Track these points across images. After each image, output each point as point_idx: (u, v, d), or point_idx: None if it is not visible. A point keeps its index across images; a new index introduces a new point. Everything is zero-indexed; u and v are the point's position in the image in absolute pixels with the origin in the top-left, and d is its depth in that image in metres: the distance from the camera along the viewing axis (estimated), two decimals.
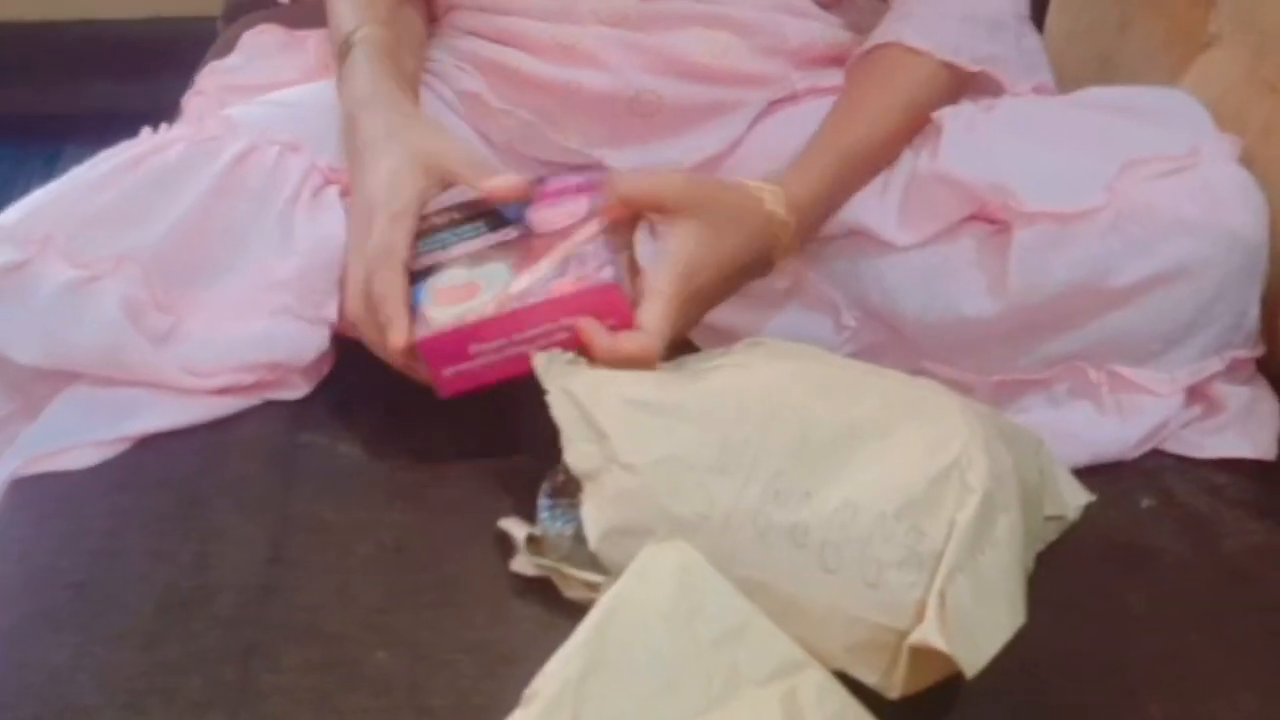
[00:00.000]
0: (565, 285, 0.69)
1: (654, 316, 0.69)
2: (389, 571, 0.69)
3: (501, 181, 0.73)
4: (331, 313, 0.78)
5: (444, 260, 0.73)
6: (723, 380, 0.69)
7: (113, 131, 0.83)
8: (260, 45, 0.93)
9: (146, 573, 0.67)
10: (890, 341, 0.83)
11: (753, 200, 0.75)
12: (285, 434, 0.76)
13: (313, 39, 0.92)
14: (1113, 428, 0.79)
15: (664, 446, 0.65)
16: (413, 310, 0.70)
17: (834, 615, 0.61)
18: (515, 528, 0.68)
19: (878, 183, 0.82)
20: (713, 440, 0.64)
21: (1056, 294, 0.76)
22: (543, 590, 0.67)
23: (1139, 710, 0.64)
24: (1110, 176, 0.76)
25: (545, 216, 0.74)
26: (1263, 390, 0.82)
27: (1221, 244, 0.76)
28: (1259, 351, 0.81)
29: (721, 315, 0.83)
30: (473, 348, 0.69)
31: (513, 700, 0.56)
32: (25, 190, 0.80)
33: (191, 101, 0.88)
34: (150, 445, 0.75)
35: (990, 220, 0.79)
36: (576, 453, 0.66)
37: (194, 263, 0.77)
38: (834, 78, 0.86)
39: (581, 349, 0.69)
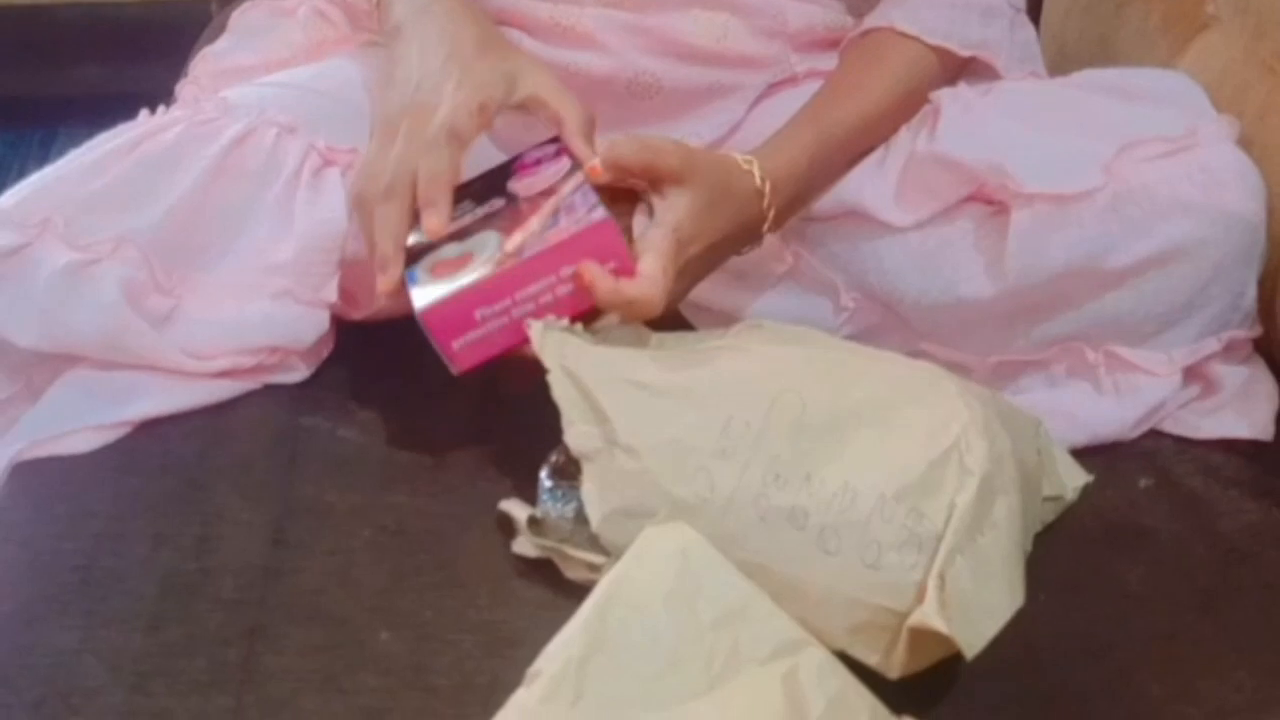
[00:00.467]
0: (560, 233, 0.68)
1: (653, 266, 0.69)
2: (391, 553, 0.69)
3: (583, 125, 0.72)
4: (331, 294, 0.78)
5: (433, 242, 0.72)
6: (723, 363, 0.69)
7: (108, 114, 0.83)
8: (247, 24, 0.92)
9: (150, 556, 0.68)
10: (889, 323, 0.83)
11: (742, 172, 0.75)
12: (286, 417, 0.77)
13: (302, 8, 0.91)
14: (1110, 408, 0.79)
15: (665, 429, 0.65)
16: (408, 290, 0.70)
17: (834, 597, 0.61)
18: (517, 509, 0.69)
19: (874, 162, 0.82)
20: (713, 423, 0.65)
21: (1054, 275, 0.76)
22: (545, 571, 0.67)
23: (1137, 689, 0.65)
24: (1107, 158, 0.76)
25: (527, 183, 0.74)
26: (1260, 371, 0.82)
27: (1219, 225, 0.76)
28: (1256, 332, 0.81)
29: (720, 297, 0.84)
30: (478, 313, 0.68)
31: (516, 679, 0.57)
32: (21, 173, 0.80)
33: (185, 89, 0.87)
34: (152, 429, 0.75)
35: (988, 201, 0.79)
36: (577, 434, 0.66)
37: (193, 245, 0.77)
38: (833, 61, 0.86)
39: (581, 314, 0.69)
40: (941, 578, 0.59)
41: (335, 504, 0.72)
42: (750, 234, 0.76)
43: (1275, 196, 0.79)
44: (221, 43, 0.91)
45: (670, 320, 0.80)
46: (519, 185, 0.74)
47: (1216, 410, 0.80)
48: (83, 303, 0.73)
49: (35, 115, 1.81)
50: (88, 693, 0.61)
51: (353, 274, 0.79)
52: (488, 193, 0.75)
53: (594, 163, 0.71)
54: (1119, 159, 0.76)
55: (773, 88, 0.87)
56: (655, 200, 0.71)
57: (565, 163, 0.73)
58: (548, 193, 0.72)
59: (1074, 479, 0.74)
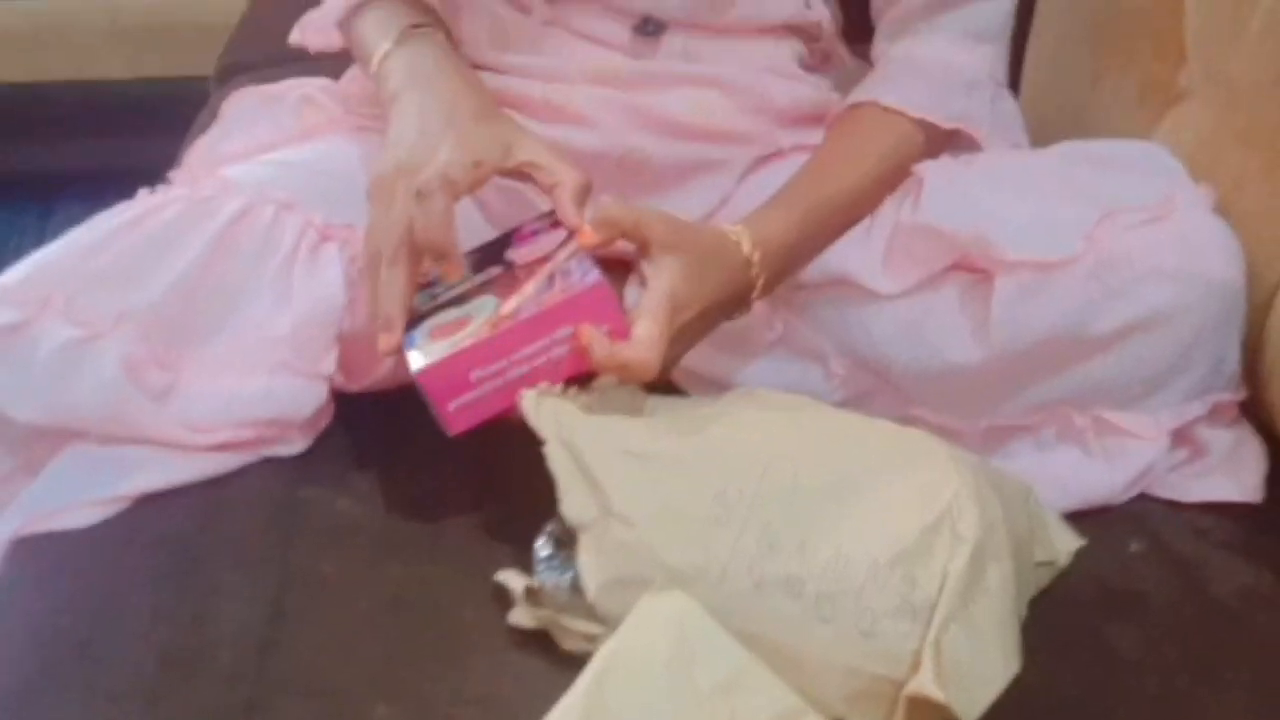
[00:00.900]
0: (555, 296, 0.70)
1: (648, 330, 0.70)
2: (389, 625, 0.69)
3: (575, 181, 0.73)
4: (329, 367, 0.79)
5: (434, 307, 0.74)
6: (716, 431, 0.70)
7: (105, 190, 0.84)
8: (238, 112, 0.94)
9: (148, 631, 0.68)
10: (879, 389, 0.84)
11: (730, 242, 0.76)
12: (284, 489, 0.77)
13: (292, 94, 0.93)
14: (1100, 472, 0.80)
15: (659, 498, 0.66)
16: (407, 354, 0.71)
17: (831, 665, 0.62)
18: (513, 580, 0.69)
19: (861, 233, 0.84)
20: (707, 491, 0.65)
21: (1039, 341, 0.78)
22: (541, 642, 0.67)
23: None
24: (1088, 226, 0.78)
25: (524, 252, 0.75)
26: (1246, 434, 0.83)
27: (1198, 291, 0.77)
28: (1241, 395, 0.82)
29: (712, 364, 0.85)
30: (474, 374, 0.69)
31: None
32: (18, 249, 0.81)
33: (180, 177, 0.89)
34: (150, 503, 0.75)
35: (972, 269, 0.80)
36: (573, 504, 0.67)
37: (193, 320, 0.77)
38: (819, 135, 0.88)
39: (577, 376, 0.70)
40: (937, 646, 0.60)
41: (333, 575, 0.72)
42: (740, 301, 0.78)
43: (1253, 263, 0.80)
44: (214, 131, 0.93)
45: (663, 387, 0.81)
46: (516, 254, 0.75)
47: (1205, 473, 0.81)
48: (83, 378, 0.74)
49: (32, 192, 1.82)
50: None
51: (350, 347, 0.80)
52: (486, 262, 0.76)
53: (585, 227, 0.72)
54: (1100, 227, 0.78)
55: (760, 162, 0.89)
56: (646, 266, 0.73)
57: (561, 232, 0.74)
58: (544, 259, 0.73)
59: (1066, 543, 0.75)
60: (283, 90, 0.93)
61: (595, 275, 0.70)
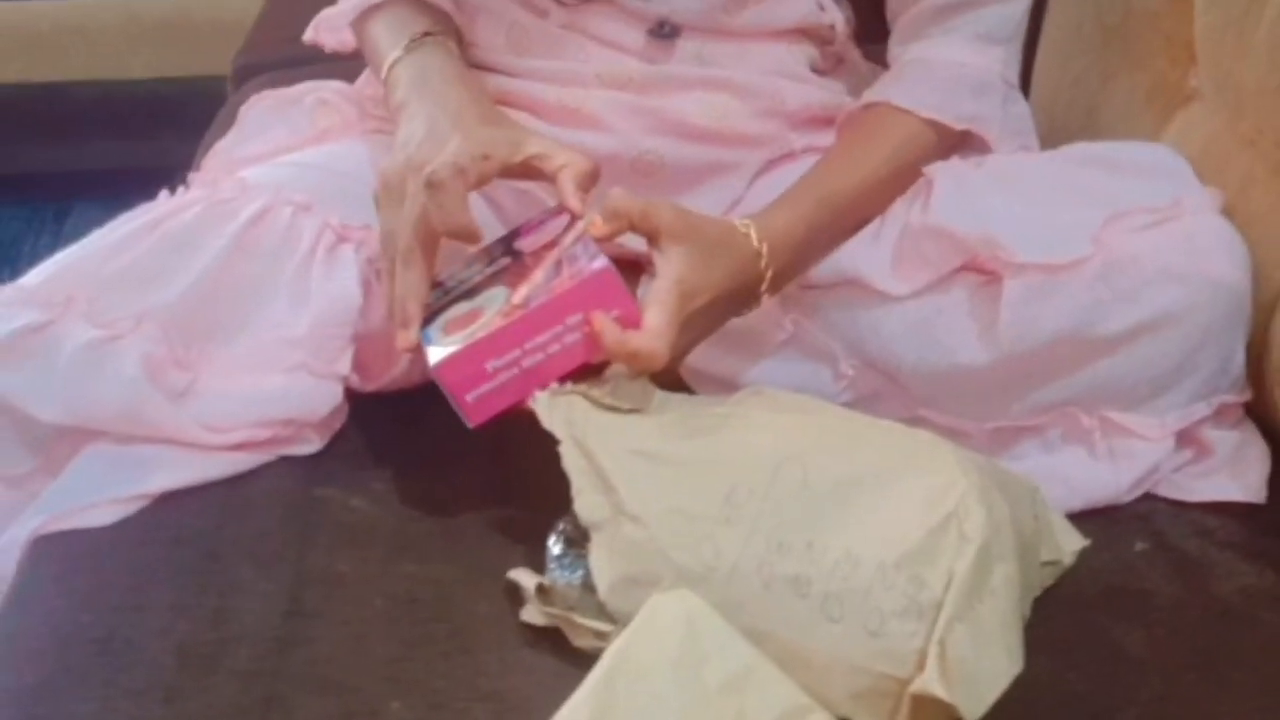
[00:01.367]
0: (564, 283, 0.70)
1: (658, 320, 0.70)
2: (403, 622, 0.70)
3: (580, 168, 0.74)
4: (345, 367, 0.80)
5: (446, 302, 0.75)
6: (726, 431, 0.71)
7: (122, 189, 0.85)
8: (255, 116, 0.95)
9: (167, 627, 0.69)
10: (887, 390, 0.84)
11: (739, 234, 0.77)
12: (300, 488, 0.78)
13: (308, 97, 0.93)
14: (1105, 472, 0.81)
15: (670, 498, 0.67)
16: (423, 349, 0.72)
17: (837, 664, 0.62)
18: (525, 578, 0.70)
19: (870, 234, 0.84)
20: (717, 491, 0.66)
21: (1047, 342, 0.78)
22: (553, 639, 0.68)
23: None
24: (1096, 228, 0.78)
25: (531, 240, 0.76)
26: (1251, 434, 0.84)
27: (1205, 292, 0.78)
28: (1246, 396, 0.83)
29: (721, 363, 0.85)
30: (489, 365, 0.70)
31: None
32: (36, 248, 0.82)
33: (198, 180, 0.90)
34: (169, 502, 0.76)
35: (981, 271, 0.81)
36: (586, 503, 0.67)
37: (211, 321, 0.79)
38: (830, 137, 0.89)
39: (590, 363, 0.71)
40: (942, 645, 0.60)
41: (348, 574, 0.73)
42: (749, 295, 0.78)
43: (1259, 265, 0.81)
44: (231, 135, 0.94)
45: (672, 386, 0.82)
46: (524, 243, 0.76)
47: (1210, 473, 0.82)
48: (104, 378, 0.75)
49: (50, 191, 1.83)
50: None
51: (366, 347, 0.81)
52: (496, 253, 0.77)
53: (594, 217, 0.72)
54: (1107, 229, 0.78)
55: (772, 164, 0.89)
56: (656, 256, 0.73)
57: (565, 217, 0.75)
58: (551, 245, 0.74)
59: (1071, 543, 0.75)
60: (299, 93, 0.94)
61: (601, 260, 0.70)
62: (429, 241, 0.73)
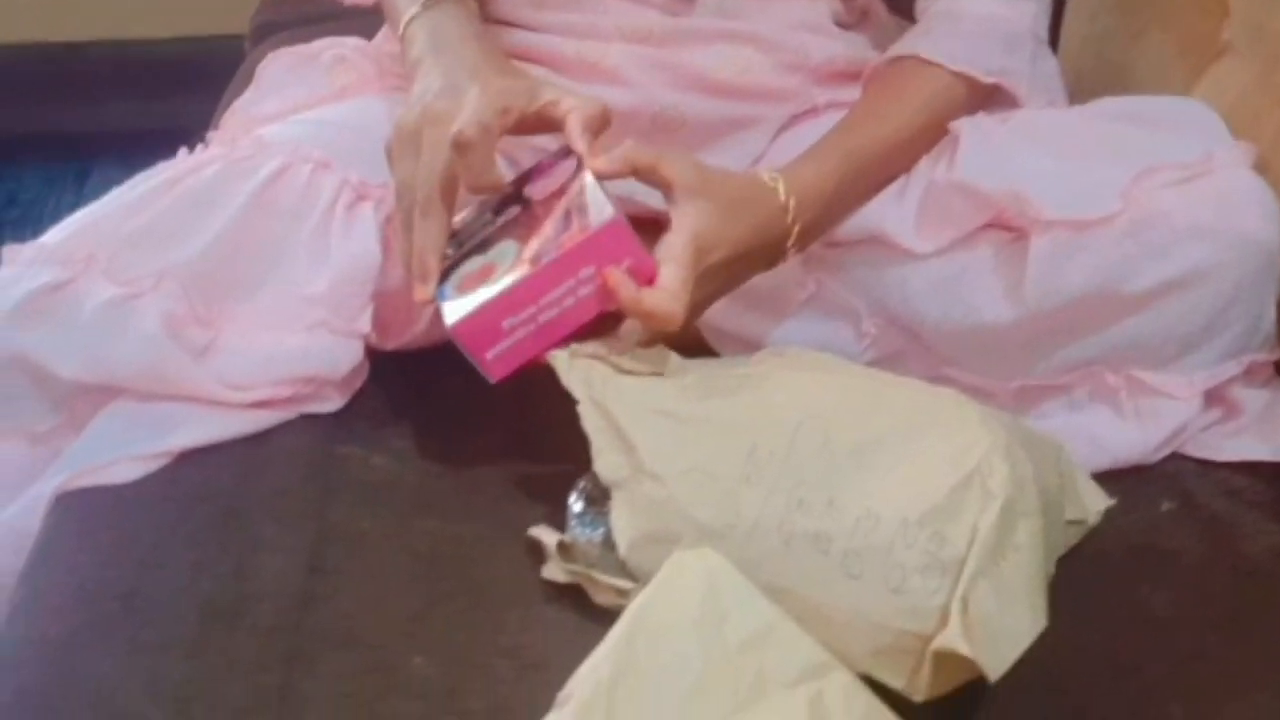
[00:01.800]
0: (574, 236, 0.70)
1: (672, 278, 0.69)
2: (424, 579, 0.70)
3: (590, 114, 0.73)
4: (365, 325, 0.80)
5: (459, 257, 0.74)
6: (747, 390, 0.70)
7: (142, 149, 0.85)
8: (272, 74, 0.94)
9: (190, 583, 0.69)
10: (911, 348, 0.84)
11: (766, 190, 0.76)
12: (321, 446, 0.78)
13: (326, 54, 0.93)
14: (1132, 432, 0.80)
15: (690, 457, 0.66)
16: (439, 306, 0.71)
17: (858, 621, 0.62)
18: (546, 535, 0.70)
19: (895, 191, 0.83)
20: (738, 450, 0.66)
21: (1073, 300, 0.77)
22: (574, 596, 0.68)
23: (1160, 711, 0.65)
24: (1125, 184, 0.77)
25: (540, 186, 0.75)
26: None
27: (1236, 249, 0.76)
28: (1276, 355, 0.82)
29: (743, 323, 0.85)
30: (506, 322, 0.70)
31: (546, 703, 0.58)
32: (56, 208, 0.82)
33: (217, 138, 0.89)
34: (191, 459, 0.77)
35: (1007, 228, 0.80)
36: (606, 463, 0.67)
37: (231, 279, 0.78)
38: (854, 93, 0.87)
39: (605, 315, 0.70)
40: (965, 601, 0.60)
41: (369, 531, 0.73)
42: (774, 251, 0.77)
43: None
44: (249, 93, 0.93)
45: (693, 345, 0.82)
46: (533, 188, 0.75)
47: (1238, 433, 0.81)
48: (125, 336, 0.75)
49: (70, 151, 1.83)
50: (130, 718, 0.63)
51: (386, 305, 0.81)
52: (505, 202, 0.76)
53: (598, 162, 0.71)
54: (1137, 185, 0.77)
55: (794, 120, 0.88)
56: (671, 210, 0.72)
57: (573, 161, 0.74)
58: (559, 193, 0.73)
59: (1096, 502, 0.75)
60: (316, 50, 0.93)
61: (610, 210, 0.69)
62: (449, 194, 0.73)
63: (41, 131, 1.82)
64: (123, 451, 0.76)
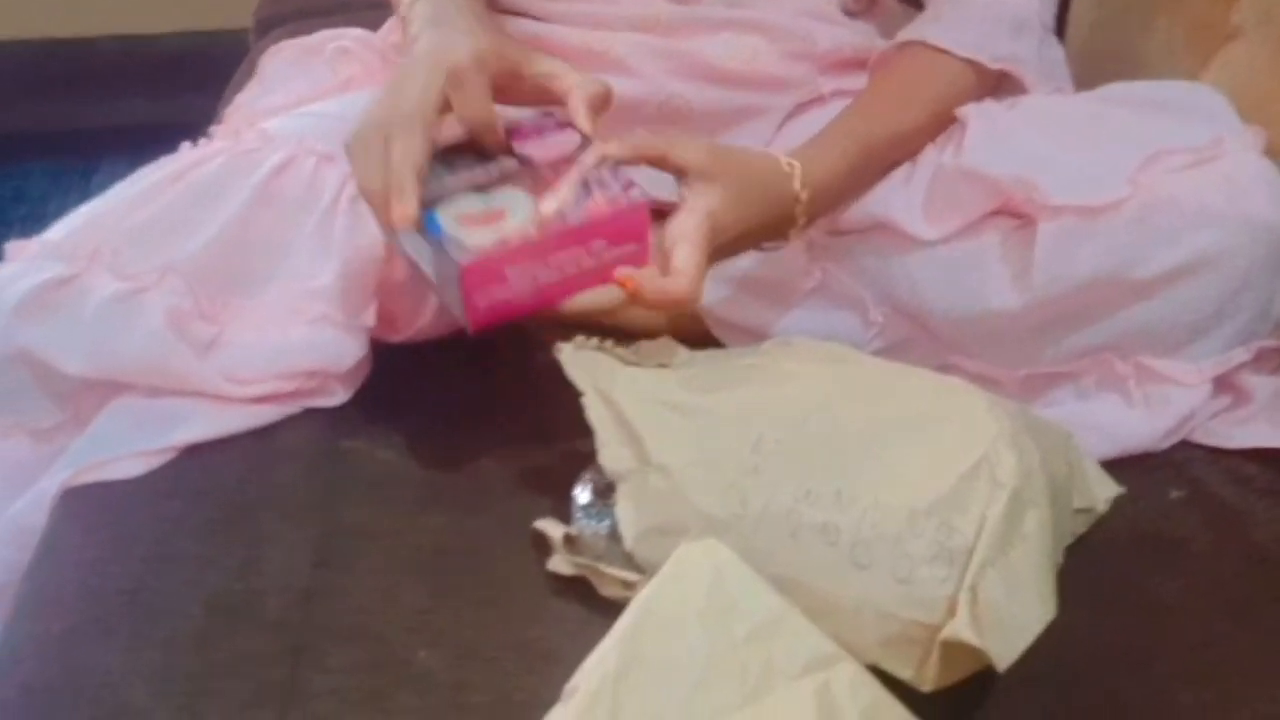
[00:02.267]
0: (600, 207, 0.69)
1: (689, 261, 0.69)
2: (430, 573, 0.70)
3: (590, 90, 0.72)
4: (370, 319, 0.80)
5: (445, 191, 0.70)
6: (753, 381, 0.70)
7: (149, 145, 0.85)
8: (275, 68, 0.94)
9: (195, 578, 0.69)
10: (918, 337, 0.83)
11: (782, 175, 0.76)
12: (326, 440, 0.78)
13: (329, 46, 0.92)
14: (1140, 419, 0.79)
15: (696, 448, 0.66)
16: (430, 237, 0.69)
17: (866, 611, 0.62)
18: (552, 528, 0.70)
19: (901, 177, 0.83)
20: (744, 441, 0.66)
21: (1082, 286, 0.77)
22: (580, 589, 0.68)
23: (1170, 700, 0.65)
24: (1133, 169, 0.77)
25: (538, 147, 0.73)
26: None
27: (1245, 234, 0.76)
28: None
29: (749, 314, 0.84)
30: (510, 271, 0.68)
31: (553, 696, 0.58)
32: (63, 205, 0.82)
33: (220, 132, 0.89)
34: (196, 454, 0.76)
35: (1015, 214, 0.79)
36: (611, 455, 0.67)
37: (235, 273, 0.78)
38: (860, 81, 0.87)
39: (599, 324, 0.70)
40: (973, 591, 0.60)
41: (375, 525, 0.73)
42: (776, 233, 0.77)
43: None
44: (252, 87, 0.93)
45: (699, 337, 0.82)
46: (529, 149, 0.73)
47: (1247, 420, 0.80)
48: (129, 331, 0.75)
49: (76, 148, 1.83)
50: (136, 713, 0.63)
51: (390, 298, 0.81)
52: (491, 152, 0.73)
53: (609, 147, 0.70)
54: (1145, 170, 0.77)
55: (800, 108, 0.88)
56: (685, 190, 0.72)
57: (572, 135, 0.73)
58: (567, 161, 0.72)
59: (1105, 491, 0.74)
60: (319, 42, 0.93)
61: (638, 192, 0.69)
62: (434, 116, 0.70)
63: (47, 129, 1.82)
64: (127, 447, 0.76)
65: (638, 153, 0.71)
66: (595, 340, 0.72)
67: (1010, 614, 0.60)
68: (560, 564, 0.69)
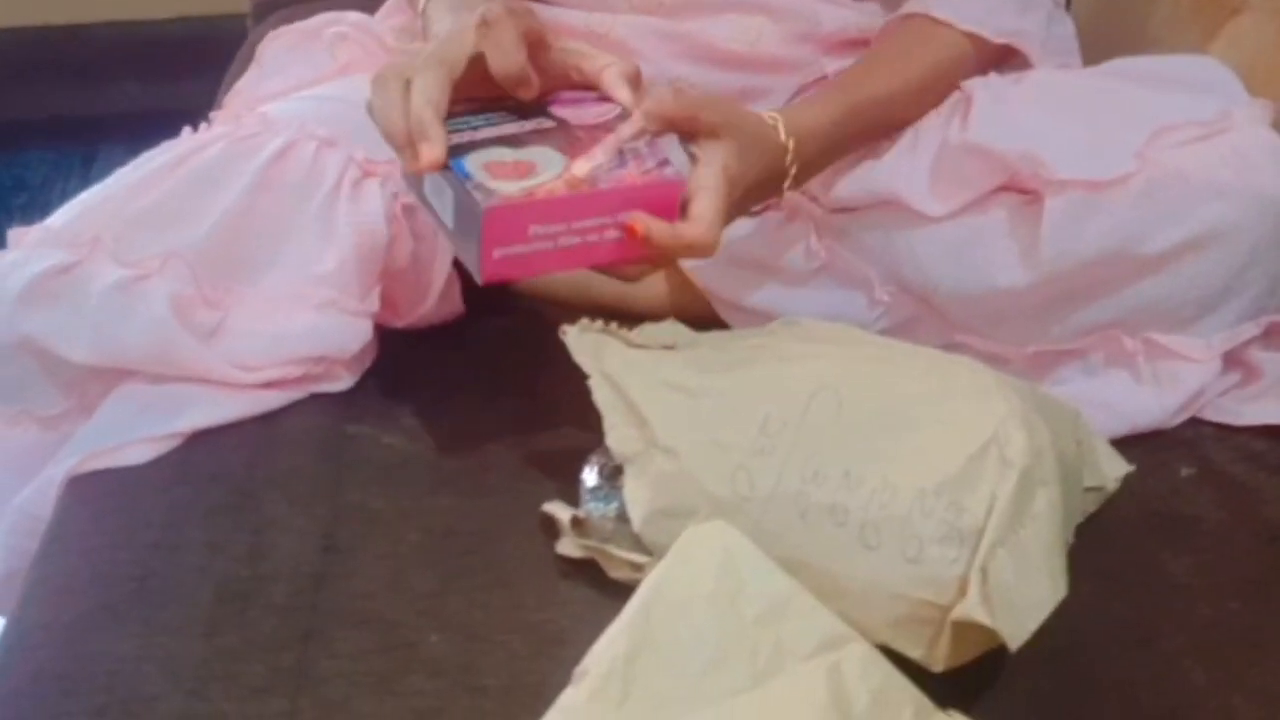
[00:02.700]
0: (634, 176, 0.68)
1: (708, 207, 0.69)
2: (439, 556, 0.70)
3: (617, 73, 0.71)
4: (374, 304, 0.80)
5: (475, 140, 0.69)
6: (759, 362, 0.70)
7: (148, 131, 0.84)
8: (274, 54, 0.93)
9: (204, 564, 0.69)
10: (924, 315, 0.83)
11: (768, 129, 0.75)
12: (333, 426, 0.78)
13: (327, 31, 0.91)
14: (1150, 397, 0.79)
15: (703, 429, 0.66)
16: (454, 179, 0.67)
17: (876, 592, 0.62)
18: (560, 510, 0.70)
19: (907, 152, 0.82)
20: (751, 422, 0.65)
21: (1089, 262, 0.76)
22: (589, 571, 0.68)
23: (1181, 678, 0.65)
24: (1140, 144, 0.76)
25: (574, 113, 0.72)
26: None
27: (1254, 208, 0.76)
28: None
29: (754, 295, 0.84)
30: (532, 228, 0.66)
31: (563, 679, 0.58)
32: (63, 192, 0.82)
33: (221, 118, 0.89)
34: (202, 440, 0.76)
35: (1021, 190, 0.79)
36: (618, 437, 0.67)
37: (239, 258, 0.78)
38: None
39: (614, 262, 0.69)
40: (984, 571, 0.60)
41: (383, 509, 0.73)
42: (773, 187, 0.77)
43: None
44: (250, 74, 0.92)
45: (704, 319, 0.81)
46: (566, 113, 0.72)
47: (1258, 396, 0.80)
48: (133, 318, 0.75)
49: (76, 135, 1.83)
50: (147, 699, 0.63)
51: (395, 283, 0.81)
52: (528, 112, 0.72)
53: (649, 120, 0.69)
54: (1152, 144, 0.76)
55: (803, 90, 0.88)
56: (696, 150, 0.71)
57: (610, 106, 0.72)
58: (605, 127, 0.71)
59: (1115, 469, 0.74)
60: (316, 27, 0.92)
61: (672, 170, 0.69)
62: (456, 58, 0.68)
63: (46, 116, 1.82)
64: (133, 434, 0.75)
65: (672, 122, 0.70)
66: (600, 323, 0.71)
67: (1021, 593, 0.60)
68: (568, 547, 0.69)
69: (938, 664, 0.61)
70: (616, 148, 0.69)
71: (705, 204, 0.69)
